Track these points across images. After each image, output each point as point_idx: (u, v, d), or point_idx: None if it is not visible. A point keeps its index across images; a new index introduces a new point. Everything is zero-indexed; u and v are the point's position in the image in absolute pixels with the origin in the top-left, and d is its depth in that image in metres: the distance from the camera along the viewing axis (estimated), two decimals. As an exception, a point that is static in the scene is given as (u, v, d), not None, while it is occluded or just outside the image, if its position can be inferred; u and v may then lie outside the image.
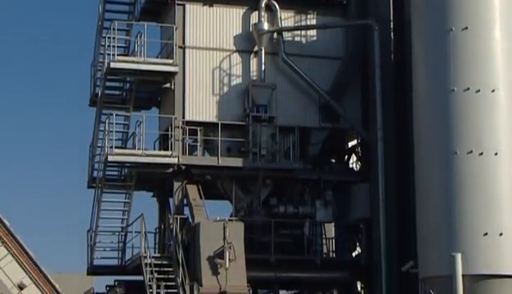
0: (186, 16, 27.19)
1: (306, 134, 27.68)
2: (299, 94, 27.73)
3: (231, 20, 27.58)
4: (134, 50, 27.15)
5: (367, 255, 26.90)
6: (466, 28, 23.23)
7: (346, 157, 29.50)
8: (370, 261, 26.70)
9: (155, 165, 26.16)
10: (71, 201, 66.80)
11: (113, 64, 25.98)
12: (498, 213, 22.58)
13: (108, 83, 27.72)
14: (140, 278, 25.27)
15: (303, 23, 28.30)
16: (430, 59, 23.71)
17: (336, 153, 29.10)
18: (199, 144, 26.83)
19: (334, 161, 28.97)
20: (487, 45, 23.26)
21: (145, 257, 24.94)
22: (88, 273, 28.64)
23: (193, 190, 26.25)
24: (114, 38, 26.43)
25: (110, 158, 25.74)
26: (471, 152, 22.76)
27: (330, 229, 28.56)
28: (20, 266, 32.33)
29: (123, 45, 28.49)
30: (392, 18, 27.47)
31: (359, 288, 28.85)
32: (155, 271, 24.55)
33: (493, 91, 23.09)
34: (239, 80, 27.39)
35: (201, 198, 26.16)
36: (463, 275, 22.17)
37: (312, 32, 28.31)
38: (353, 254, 28.19)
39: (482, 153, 22.73)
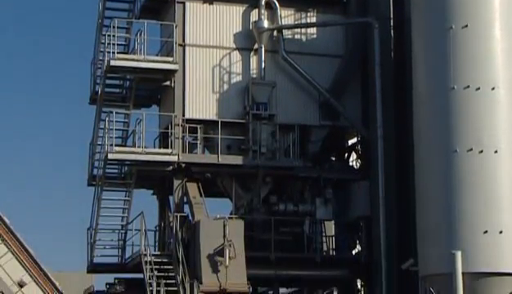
0: (186, 14, 27.18)
1: (306, 132, 27.68)
2: (299, 92, 27.73)
3: (231, 17, 27.58)
4: (134, 48, 27.16)
5: (367, 253, 26.90)
6: (466, 26, 23.23)
7: (346, 155, 29.50)
8: (370, 259, 26.71)
9: (155, 163, 26.16)
10: (71, 199, 66.83)
11: (113, 62, 25.98)
12: (498, 211, 22.58)
13: (108, 81, 27.73)
14: (140, 275, 25.28)
15: (303, 21, 28.29)
16: (430, 57, 23.70)
17: (336, 151, 29.10)
18: (199, 141, 26.83)
19: (334, 159, 28.96)
20: (487, 43, 23.25)
21: (146, 255, 24.95)
22: (88, 271, 28.67)
23: (193, 188, 26.25)
24: (114, 36, 26.43)
25: (110, 156, 25.75)
26: (471, 150, 22.76)
27: (330, 227, 28.57)
28: (20, 264, 32.34)
29: (123, 43, 28.50)
30: (392, 16, 27.46)
31: (359, 286, 28.87)
32: (155, 269, 24.57)
33: (493, 88, 23.09)
34: (239, 78, 27.39)
35: (201, 195, 26.16)
36: (463, 273, 22.18)
37: (312, 30, 28.31)
38: (353, 252, 28.20)
39: (482, 151, 22.74)
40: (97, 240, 27.47)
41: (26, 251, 32.54)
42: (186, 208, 26.39)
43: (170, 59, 26.46)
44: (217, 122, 26.64)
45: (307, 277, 27.30)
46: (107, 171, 26.87)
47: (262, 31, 27.38)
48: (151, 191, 29.19)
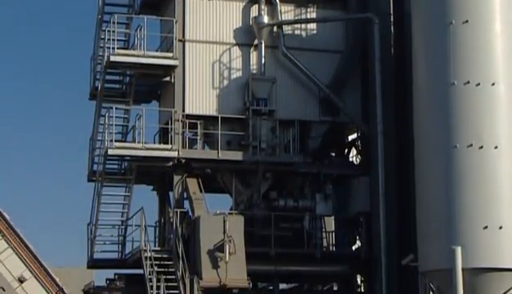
0: (186, 9, 27.16)
1: (306, 127, 27.67)
2: (299, 87, 27.72)
3: (231, 13, 27.56)
4: (134, 43, 27.14)
5: (367, 248, 26.90)
6: (466, 21, 23.21)
7: (346, 150, 29.50)
8: (370, 255, 26.72)
9: (155, 158, 26.16)
10: (71, 194, 66.83)
11: (113, 58, 25.97)
12: (498, 207, 22.59)
13: (108, 77, 27.71)
14: (140, 271, 25.29)
15: (303, 16, 28.27)
16: (430, 52, 23.69)
17: (336, 146, 29.10)
18: (199, 137, 26.83)
19: (334, 154, 28.97)
20: (488, 38, 23.24)
21: (146, 251, 24.96)
22: (88, 267, 28.67)
23: (193, 184, 26.26)
24: (113, 32, 26.41)
25: (110, 152, 25.75)
26: (471, 145, 22.76)
27: (330, 223, 28.58)
28: (21, 260, 32.34)
29: (123, 38, 28.46)
30: (392, 11, 27.43)
31: (359, 282, 28.88)
32: (155, 265, 24.57)
33: (493, 84, 23.08)
34: (239, 73, 27.38)
35: (201, 191, 26.17)
36: (463, 269, 22.18)
37: (312, 25, 28.28)
38: (353, 247, 28.20)
39: (482, 147, 22.73)
40: (97, 236, 27.50)
41: (26, 246, 32.54)
42: (186, 204, 26.42)
43: (170, 54, 26.44)
44: (217, 117, 26.63)
45: (307, 272, 27.31)
46: (107, 166, 26.88)
47: (262, 27, 27.37)
48: (151, 187, 29.20)
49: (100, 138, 27.50)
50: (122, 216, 27.34)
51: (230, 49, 27.45)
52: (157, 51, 27.42)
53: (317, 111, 27.79)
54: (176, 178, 26.41)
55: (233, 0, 27.61)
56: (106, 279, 26.91)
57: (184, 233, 25.53)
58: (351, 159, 29.33)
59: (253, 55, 27.56)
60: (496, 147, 22.81)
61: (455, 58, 23.13)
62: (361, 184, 27.27)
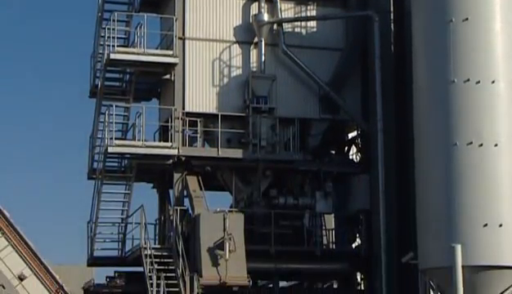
0: (186, 7, 27.15)
1: (306, 125, 27.67)
2: (299, 85, 27.71)
3: (231, 10, 27.55)
4: (134, 41, 27.14)
5: (367, 246, 26.91)
6: (467, 19, 23.20)
7: (346, 148, 29.50)
8: (370, 252, 26.72)
9: (155, 156, 26.17)
10: (71, 192, 66.83)
11: (113, 56, 25.97)
12: (498, 204, 22.59)
13: (108, 74, 27.72)
14: (140, 269, 25.31)
15: (303, 14, 28.26)
16: (430, 50, 23.68)
17: (336, 144, 29.09)
18: (199, 135, 26.83)
19: (334, 152, 28.96)
20: (488, 36, 23.23)
21: (146, 248, 24.98)
22: (88, 265, 28.70)
23: (193, 181, 26.26)
24: (113, 29, 26.41)
25: (110, 150, 25.75)
26: (471, 143, 22.76)
27: (330, 221, 28.58)
28: (21, 257, 32.35)
29: (123, 36, 28.47)
30: (392, 9, 27.43)
31: (359, 279, 28.88)
32: (155, 262, 24.59)
33: (493, 82, 23.07)
34: (239, 71, 27.37)
35: (201, 189, 26.17)
36: (463, 266, 22.19)
37: (312, 23, 28.28)
38: (353, 245, 28.21)
39: (482, 145, 22.73)
40: (97, 233, 27.50)
41: (26, 244, 32.55)
42: (186, 202, 26.42)
43: (170, 52, 26.44)
44: (217, 115, 26.62)
45: (307, 270, 27.32)
46: (107, 164, 26.88)
47: (262, 24, 27.36)
48: (151, 184, 29.20)
49: (100, 136, 27.51)
50: (122, 214, 27.35)
51: (230, 47, 27.44)
52: (157, 48, 27.40)
53: (317, 109, 27.78)
54: (176, 176, 26.41)
55: (233, -2, 27.64)
56: (106, 277, 26.94)
57: (184, 230, 25.53)
58: (351, 157, 29.33)
59: (253, 53, 27.55)
60: (496, 145, 22.81)
61: (455, 56, 23.13)
62: (361, 182, 27.27)
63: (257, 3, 27.57)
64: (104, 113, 26.80)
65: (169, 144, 26.14)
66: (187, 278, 24.06)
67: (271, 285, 27.91)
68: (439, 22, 23.45)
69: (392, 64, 27.15)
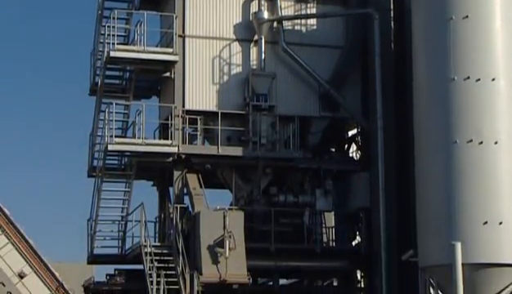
0: (186, 5, 27.13)
1: (306, 123, 27.67)
2: (299, 83, 27.71)
3: (231, 8, 27.54)
4: (134, 39, 27.13)
5: (367, 244, 26.92)
6: (467, 17, 23.20)
7: (346, 146, 29.50)
8: (370, 250, 26.73)
9: (155, 154, 26.17)
10: (71, 190, 66.84)
11: (113, 53, 25.97)
12: (498, 202, 22.59)
13: (108, 72, 27.72)
14: (140, 267, 25.32)
15: (303, 12, 28.24)
16: (430, 48, 23.68)
17: (336, 142, 29.10)
18: (199, 133, 26.84)
19: (334, 150, 28.97)
20: (488, 34, 23.23)
21: (146, 246, 24.99)
22: (88, 262, 28.72)
23: (193, 179, 26.27)
24: (113, 27, 26.40)
25: (110, 147, 25.75)
26: (471, 141, 22.76)
27: (330, 218, 28.58)
28: (21, 255, 32.34)
29: (123, 34, 28.44)
30: (392, 7, 27.41)
31: (359, 277, 28.89)
32: (155, 260, 24.59)
33: (493, 79, 23.07)
34: (239, 69, 27.37)
35: (201, 187, 26.18)
36: (463, 264, 22.20)
37: (312, 21, 28.27)
38: (353, 243, 28.21)
39: (482, 142, 22.73)
40: (97, 231, 27.51)
41: (26, 242, 32.54)
42: (186, 199, 26.42)
43: (170, 50, 26.44)
44: (217, 113, 26.62)
45: (306, 268, 27.33)
46: (107, 162, 26.89)
47: (262, 22, 27.35)
48: (151, 182, 29.20)
49: (100, 134, 27.51)
50: (122, 212, 27.36)
51: (230, 44, 27.43)
52: (157, 46, 27.41)
53: (317, 107, 27.78)
54: (176, 173, 26.41)
55: (233, -5, 27.62)
56: (106, 275, 26.92)
57: (184, 228, 25.54)
58: (351, 155, 29.33)
59: (253, 51, 27.55)
60: (496, 142, 22.81)
61: (456, 54, 23.12)
62: (361, 180, 27.28)
63: (257, 1, 27.56)
64: (104, 111, 26.80)
65: (169, 141, 26.14)
66: (187, 276, 24.06)
67: (271, 283, 27.91)
68: (439, 20, 23.45)
69: (393, 62, 27.14)
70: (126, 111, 27.59)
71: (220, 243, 24.46)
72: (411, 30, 24.73)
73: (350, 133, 29.45)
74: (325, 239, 28.09)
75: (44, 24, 72.37)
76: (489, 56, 23.13)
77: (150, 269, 24.39)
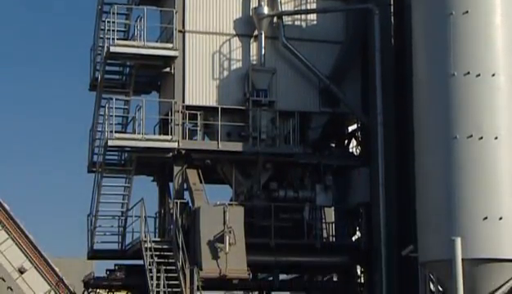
0: (186, 0, 27.09)
1: (306, 118, 27.66)
2: (299, 78, 27.69)
3: (231, 4, 27.50)
4: (134, 34, 27.10)
5: (367, 239, 26.92)
6: (467, 12, 23.17)
7: (346, 141, 29.50)
8: (370, 246, 26.74)
9: (155, 149, 26.16)
10: (71, 185, 66.87)
11: (112, 49, 25.95)
12: (498, 197, 22.59)
13: (108, 67, 27.70)
14: (140, 262, 25.32)
15: (303, 7, 28.22)
16: (430, 43, 23.66)
17: (336, 137, 29.09)
18: (199, 128, 26.83)
19: (334, 145, 28.96)
20: (488, 29, 23.20)
21: (146, 241, 24.99)
22: (89, 258, 28.72)
23: (193, 175, 26.26)
24: (113, 22, 26.38)
25: (110, 143, 25.75)
26: (471, 136, 22.75)
27: (330, 214, 28.58)
28: (21, 250, 32.38)
29: (123, 29, 28.42)
30: (392, 2, 27.39)
31: (359, 272, 28.90)
32: (155, 255, 24.60)
33: (493, 75, 23.05)
34: (239, 64, 27.35)
35: (201, 182, 26.18)
36: (462, 259, 22.20)
37: (313, 16, 28.25)
38: (353, 238, 28.22)
39: (482, 138, 22.72)
40: (97, 227, 27.51)
41: (26, 237, 32.58)
42: (186, 195, 26.43)
43: (170, 45, 26.41)
44: (217, 108, 26.61)
45: (306, 263, 27.34)
46: (107, 157, 26.89)
47: (262, 17, 27.33)
48: (151, 178, 29.20)
49: (100, 129, 27.50)
50: (122, 207, 27.36)
51: (230, 40, 27.41)
52: (157, 41, 27.37)
53: (317, 102, 27.77)
54: (176, 169, 26.41)
55: (233, -9, 27.59)
56: (106, 270, 26.94)
57: (184, 224, 25.55)
58: (351, 150, 29.32)
59: (253, 46, 27.52)
60: (496, 138, 22.80)
61: (456, 49, 23.10)
62: (361, 175, 27.27)
63: (257, -4, 27.54)
64: (104, 107, 26.79)
65: (169, 137, 26.14)
66: (187, 271, 24.07)
67: (271, 278, 27.92)
68: (439, 15, 23.42)
69: (393, 58, 27.12)
70: (126, 106, 27.58)
71: (220, 239, 24.47)
72: (411, 25, 24.70)
73: (350, 128, 29.44)
74: (325, 235, 28.09)
75: (44, 20, 72.35)
76: (489, 52, 23.11)
77: (150, 265, 24.40)
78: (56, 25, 72.26)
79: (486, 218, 22.37)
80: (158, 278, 24.11)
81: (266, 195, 26.99)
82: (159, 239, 26.06)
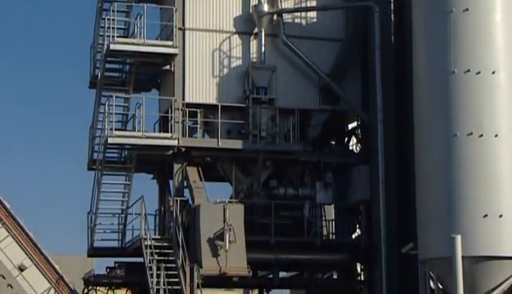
0: (186, -2, 27.10)
1: (306, 116, 27.65)
2: (299, 76, 27.68)
3: (231, 1, 27.48)
4: (134, 32, 27.08)
5: (367, 237, 26.93)
6: (467, 9, 23.16)
7: (346, 139, 29.49)
8: (370, 243, 26.74)
9: (155, 147, 26.16)
10: (71, 183, 66.88)
11: (113, 46, 25.94)
12: (498, 195, 22.59)
13: (108, 65, 27.68)
14: (140, 259, 25.32)
15: (303, 4, 28.20)
16: (431, 41, 23.65)
17: (336, 135, 29.09)
18: (199, 126, 26.83)
19: (334, 143, 28.97)
20: (488, 27, 23.20)
21: (146, 239, 24.99)
22: (89, 255, 28.72)
23: (193, 172, 26.26)
24: (113, 20, 26.37)
25: (110, 140, 25.74)
26: (471, 134, 22.75)
27: (330, 211, 28.59)
28: (21, 248, 32.31)
29: (123, 27, 28.39)
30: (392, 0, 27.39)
31: (359, 270, 28.90)
32: (155, 253, 24.60)
33: (493, 72, 23.05)
34: (239, 62, 27.34)
35: (201, 180, 26.17)
36: (462, 257, 22.21)
37: (313, 13, 28.23)
38: (353, 236, 28.23)
39: (482, 135, 22.72)
40: (98, 224, 27.52)
41: (26, 235, 32.51)
42: (186, 192, 26.42)
43: (170, 43, 26.41)
44: (217, 106, 26.60)
45: (306, 261, 27.34)
46: (107, 155, 26.89)
47: (262, 15, 27.31)
48: (151, 175, 29.19)
49: (100, 127, 27.49)
50: (122, 205, 27.36)
51: (230, 37, 27.40)
52: (157, 39, 27.37)
53: (317, 99, 27.76)
54: (176, 166, 26.40)
55: (233, -12, 27.57)
56: (106, 267, 26.94)
57: (184, 221, 25.55)
58: (351, 148, 29.32)
59: (253, 44, 27.52)
60: (496, 135, 22.80)
61: (456, 46, 23.10)
62: (361, 173, 27.27)
63: (257, -6, 27.52)
64: (104, 104, 26.78)
65: (169, 134, 26.13)
66: (187, 269, 24.08)
67: (271, 275, 27.92)
68: (439, 12, 23.41)
69: (393, 55, 27.12)
70: (126, 104, 27.57)
71: (220, 236, 24.47)
72: (411, 23, 24.70)
73: (350, 126, 29.43)
74: (325, 232, 28.10)
75: (44, 17, 72.32)
76: (489, 49, 23.11)
77: (150, 262, 24.40)
78: (56, 23, 72.27)
79: (486, 216, 22.38)
80: (158, 276, 24.11)
81: (266, 193, 26.99)
82: (159, 237, 26.07)
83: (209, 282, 24.55)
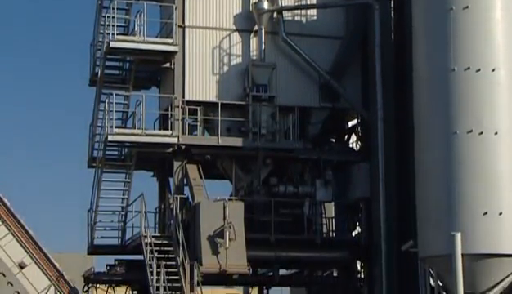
0: (186, -5, 27.09)
1: (306, 113, 27.66)
2: (299, 73, 27.69)
3: (231, -1, 27.50)
4: (134, 29, 27.09)
5: (367, 234, 26.94)
6: (467, 7, 23.16)
7: (346, 136, 29.50)
8: (370, 241, 26.75)
9: (155, 145, 26.16)
10: (71, 180, 66.91)
11: (112, 44, 25.93)
12: (498, 193, 22.59)
13: (108, 63, 27.67)
14: (140, 257, 25.33)
15: (303, 2, 28.21)
16: (430, 38, 23.64)
17: (336, 132, 29.09)
18: (199, 123, 26.83)
19: (334, 140, 28.97)
20: (488, 24, 23.19)
21: (146, 237, 25.00)
22: (89, 253, 28.74)
23: (193, 170, 26.27)
24: (113, 18, 26.35)
25: (110, 138, 25.74)
26: (471, 131, 22.75)
27: (330, 209, 28.60)
28: (21, 245, 32.31)
29: (123, 24, 28.39)
30: (392, -3, 27.41)
31: (359, 268, 28.91)
32: (155, 250, 24.61)
33: (493, 70, 23.04)
34: (239, 59, 27.34)
35: (201, 177, 26.18)
36: (462, 254, 22.21)
37: (313, 11, 28.23)
38: (353, 233, 28.24)
39: (482, 133, 22.72)
40: (98, 222, 27.52)
41: (27, 232, 32.51)
42: (186, 190, 26.44)
43: (170, 40, 26.40)
44: (217, 103, 26.61)
45: (306, 258, 27.35)
46: (107, 152, 26.88)
47: (262, 12, 27.31)
48: (151, 173, 29.20)
49: (100, 124, 27.50)
50: (122, 202, 27.36)
51: (230, 35, 27.40)
52: (157, 37, 27.37)
53: (317, 97, 27.77)
54: (176, 164, 26.41)
55: (233, -14, 27.57)
56: (106, 265, 26.96)
57: (184, 219, 25.56)
58: (351, 145, 29.33)
59: (253, 41, 27.52)
60: (496, 133, 22.80)
61: (456, 44, 23.09)
62: (361, 171, 27.28)
63: (257, -9, 27.51)
64: (104, 102, 26.78)
65: (169, 132, 26.14)
66: (187, 267, 24.08)
67: (271, 273, 27.93)
68: (439, 10, 23.41)
69: (393, 53, 27.12)
70: (126, 102, 27.57)
71: (220, 234, 24.48)
72: (411, 20, 24.69)
73: (350, 124, 29.44)
74: (325, 230, 28.12)
75: (44, 14, 72.31)
76: (489, 47, 23.10)
77: (150, 260, 24.41)
78: (56, 20, 72.25)
79: (486, 213, 22.38)
80: (158, 274, 24.11)
81: (266, 190, 27.00)
82: (159, 234, 26.08)
83: (209, 279, 24.57)
